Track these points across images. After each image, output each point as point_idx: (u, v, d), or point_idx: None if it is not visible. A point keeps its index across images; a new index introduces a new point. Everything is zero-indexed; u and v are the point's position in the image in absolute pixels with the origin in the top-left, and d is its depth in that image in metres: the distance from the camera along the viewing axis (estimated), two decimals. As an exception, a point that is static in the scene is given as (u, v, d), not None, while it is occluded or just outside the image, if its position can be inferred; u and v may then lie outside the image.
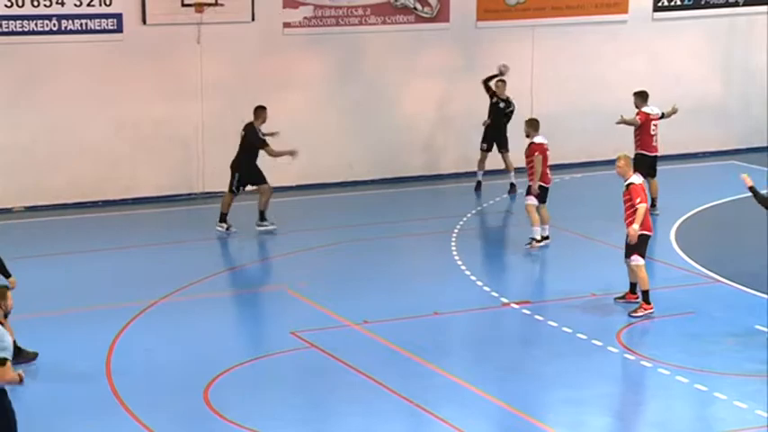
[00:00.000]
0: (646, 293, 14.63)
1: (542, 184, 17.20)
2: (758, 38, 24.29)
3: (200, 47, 20.72)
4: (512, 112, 20.60)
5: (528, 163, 17.38)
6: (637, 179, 14.61)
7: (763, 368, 12.92)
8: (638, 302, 14.72)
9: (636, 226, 14.29)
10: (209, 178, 20.97)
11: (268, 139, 18.39)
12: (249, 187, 18.55)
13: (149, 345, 13.94)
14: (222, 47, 20.85)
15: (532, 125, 17.45)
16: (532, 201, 17.16)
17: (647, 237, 14.67)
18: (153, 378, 13.00)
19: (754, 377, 12.69)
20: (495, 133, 20.62)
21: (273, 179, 21.38)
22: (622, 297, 15.05)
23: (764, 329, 14.07)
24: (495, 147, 20.78)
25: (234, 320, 15.13)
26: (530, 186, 17.28)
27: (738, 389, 12.36)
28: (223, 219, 18.31)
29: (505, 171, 20.77)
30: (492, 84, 20.64)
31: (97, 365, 13.14)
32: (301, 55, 21.45)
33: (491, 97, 20.61)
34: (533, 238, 17.20)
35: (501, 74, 20.59)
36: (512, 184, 20.57)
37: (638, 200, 14.35)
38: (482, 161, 21.04)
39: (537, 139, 17.28)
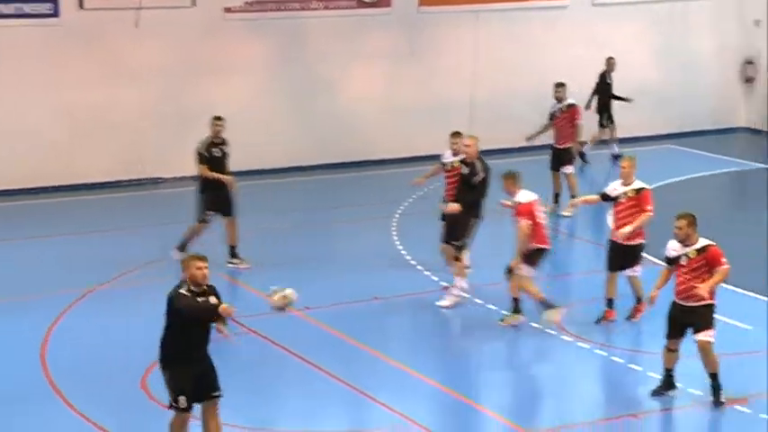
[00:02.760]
0: (639, 299, 13.88)
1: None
2: (698, 24, 24.60)
3: (138, 31, 20.55)
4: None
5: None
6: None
7: (694, 347, 13.07)
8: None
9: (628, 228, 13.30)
10: (148, 164, 20.85)
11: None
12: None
13: (85, 332, 13.87)
14: (162, 31, 20.74)
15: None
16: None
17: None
18: (89, 366, 12.94)
19: (686, 357, 12.76)
20: None
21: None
22: (603, 317, 13.99)
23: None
24: None
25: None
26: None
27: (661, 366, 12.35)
28: (183, 248, 16.07)
29: None
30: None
31: (32, 354, 13.05)
32: (243, 40, 21.39)
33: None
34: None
35: None
36: None
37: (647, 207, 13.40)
38: None
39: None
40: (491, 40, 22.93)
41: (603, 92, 22.43)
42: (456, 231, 14.62)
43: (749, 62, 25.11)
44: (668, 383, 11.93)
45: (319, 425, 11.56)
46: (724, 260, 11.55)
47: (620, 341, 13.45)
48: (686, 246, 11.61)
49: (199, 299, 9.72)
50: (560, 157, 19.02)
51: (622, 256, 13.74)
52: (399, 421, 11.39)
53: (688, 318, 11.64)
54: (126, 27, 20.44)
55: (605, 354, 13.09)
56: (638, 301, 13.84)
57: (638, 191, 13.68)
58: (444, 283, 15.19)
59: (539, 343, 13.50)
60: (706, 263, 11.56)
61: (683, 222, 11.66)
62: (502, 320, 13.88)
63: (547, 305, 13.59)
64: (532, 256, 13.68)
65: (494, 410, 11.80)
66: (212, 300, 9.79)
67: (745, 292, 15.05)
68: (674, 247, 11.73)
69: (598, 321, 13.89)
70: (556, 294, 15.02)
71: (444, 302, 14.55)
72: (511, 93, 22.81)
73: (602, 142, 22.72)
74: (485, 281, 15.25)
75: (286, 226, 18.27)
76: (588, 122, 20.89)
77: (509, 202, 13.86)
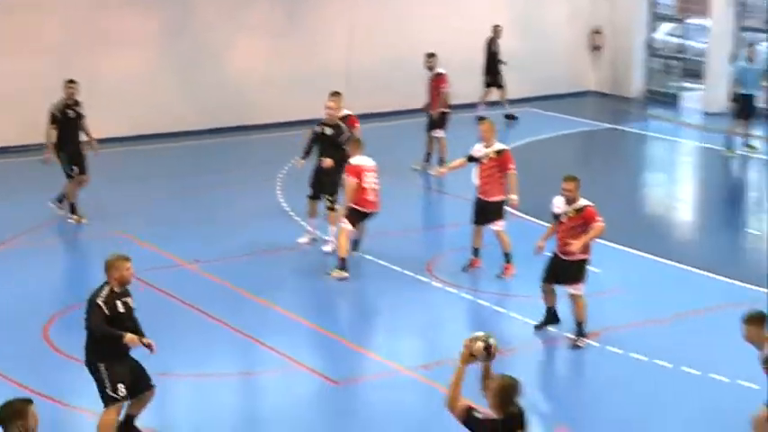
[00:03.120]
0: (508, 255, 14.04)
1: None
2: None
3: (32, 6, 20.10)
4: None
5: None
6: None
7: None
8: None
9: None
10: (42, 131, 20.45)
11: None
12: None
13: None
14: (56, 5, 20.26)
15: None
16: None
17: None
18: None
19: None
20: None
21: (108, 130, 21.07)
22: (470, 265, 14.16)
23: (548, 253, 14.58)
24: None
25: (71, 265, 14.89)
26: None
27: (531, 309, 12.72)
28: (73, 211, 16.19)
29: None
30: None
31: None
32: (132, 13, 20.97)
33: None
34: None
35: None
36: None
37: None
38: None
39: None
40: (365, 12, 22.91)
41: (491, 57, 22.74)
42: (328, 186, 14.78)
43: (596, 31, 25.56)
44: (551, 318, 12.25)
45: (213, 368, 11.61)
46: (599, 218, 11.82)
47: (486, 286, 13.69)
48: (569, 205, 11.93)
49: (125, 300, 9.46)
50: (431, 121, 19.21)
51: (486, 212, 13.90)
52: (286, 363, 11.53)
53: (562, 270, 11.98)
54: (20, 1, 19.94)
55: (472, 298, 13.37)
56: (507, 259, 13.90)
57: (499, 152, 13.79)
58: (326, 237, 15.31)
59: (412, 289, 13.66)
60: (583, 221, 11.86)
61: (571, 185, 11.99)
62: (331, 271, 13.92)
63: (341, 265, 13.79)
64: (352, 215, 13.90)
65: (372, 351, 12.01)
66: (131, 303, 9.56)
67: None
68: (558, 204, 12.07)
69: (465, 269, 14.11)
70: (440, 242, 15.30)
71: (327, 248, 14.68)
72: (385, 62, 22.84)
73: (494, 103, 22.96)
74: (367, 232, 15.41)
75: (176, 187, 18.16)
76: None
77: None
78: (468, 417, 7.10)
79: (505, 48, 23.23)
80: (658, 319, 12.50)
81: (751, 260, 14.98)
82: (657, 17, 25.47)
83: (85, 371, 10.92)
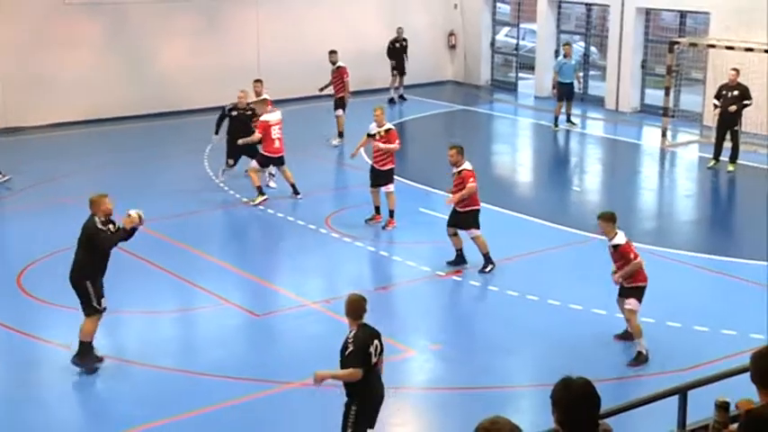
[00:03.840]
0: (392, 212, 13.79)
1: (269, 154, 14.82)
2: (414, 6, 24.76)
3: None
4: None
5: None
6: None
7: (424, 238, 13.51)
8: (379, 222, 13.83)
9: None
10: (9, 117, 19.68)
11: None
12: None
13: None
14: (16, 14, 19.43)
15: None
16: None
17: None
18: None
19: (419, 244, 13.24)
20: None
21: (63, 115, 20.37)
22: (371, 218, 13.88)
23: (426, 211, 14.66)
24: None
25: (36, 225, 14.26)
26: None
27: (408, 253, 12.81)
28: None
29: None
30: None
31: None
32: (80, 21, 20.26)
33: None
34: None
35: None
36: None
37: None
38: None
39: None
40: (270, 17, 22.50)
41: (396, 52, 22.73)
42: (252, 153, 15.05)
43: (451, 33, 25.61)
44: (459, 259, 12.22)
45: (156, 307, 11.36)
46: (471, 179, 11.87)
47: (375, 236, 13.57)
48: (454, 168, 11.96)
49: (110, 226, 9.46)
50: (335, 104, 19.05)
51: (379, 177, 13.80)
52: (216, 301, 11.33)
53: (458, 219, 12.09)
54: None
55: (362, 245, 13.24)
56: (391, 215, 13.76)
57: (387, 130, 13.73)
58: (244, 199, 15.04)
59: (314, 239, 13.53)
60: (462, 181, 11.92)
61: (452, 151, 11.97)
62: (251, 200, 14.72)
63: (259, 191, 14.72)
64: (261, 159, 14.81)
65: (285, 289, 11.86)
66: (116, 225, 9.54)
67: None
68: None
69: (367, 221, 13.94)
70: (336, 202, 15.15)
71: (272, 184, 15.54)
72: (286, 57, 22.46)
73: (396, 88, 23.08)
74: (277, 195, 15.22)
75: (121, 161, 17.58)
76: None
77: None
78: None
79: (382, 47, 23.07)
80: (507, 258, 12.59)
81: (576, 211, 15.24)
82: (498, 23, 25.59)
83: (55, 311, 10.59)
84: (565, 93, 20.19)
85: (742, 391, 4.93)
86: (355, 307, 7.35)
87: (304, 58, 21.86)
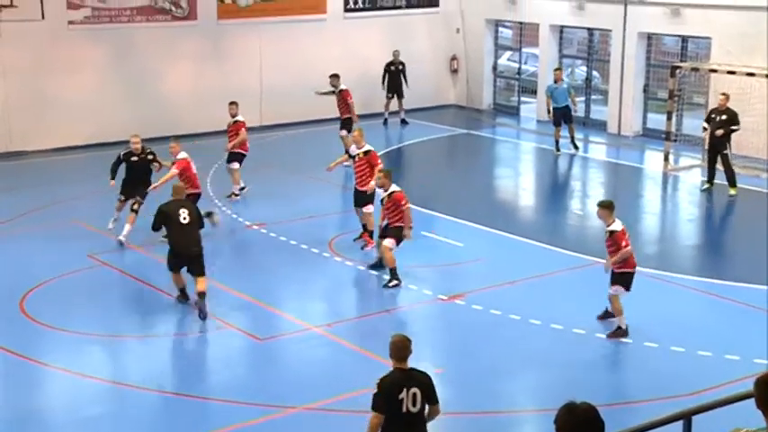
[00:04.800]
0: (371, 233, 13.92)
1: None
2: (418, 31, 25.00)
3: (0, 39, 19.33)
4: None
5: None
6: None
7: (425, 262, 13.51)
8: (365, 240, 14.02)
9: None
10: (13, 141, 19.77)
11: None
12: None
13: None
14: (19, 39, 19.53)
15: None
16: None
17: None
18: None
19: (421, 267, 13.25)
20: None
21: (66, 139, 20.47)
22: (359, 237, 14.07)
23: (428, 234, 14.69)
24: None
25: (41, 248, 14.29)
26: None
27: (410, 277, 12.72)
28: None
29: None
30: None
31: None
32: (84, 45, 20.40)
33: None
34: None
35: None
36: None
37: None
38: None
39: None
40: (272, 43, 22.65)
41: (392, 75, 22.94)
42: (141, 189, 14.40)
43: (453, 58, 25.73)
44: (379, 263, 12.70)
45: (157, 330, 11.36)
46: (403, 202, 12.32)
47: (359, 258, 13.61)
48: (384, 191, 12.44)
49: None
50: (342, 125, 19.17)
51: (359, 197, 14.04)
52: (219, 325, 11.31)
53: (386, 232, 12.51)
54: (-10, 35, 19.20)
55: (364, 269, 13.21)
56: (370, 234, 13.83)
57: (367, 152, 13.91)
58: (247, 222, 15.07)
59: (317, 263, 13.53)
60: (393, 203, 12.34)
61: (380, 174, 12.63)
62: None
63: (208, 213, 13.74)
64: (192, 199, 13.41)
65: (287, 313, 11.83)
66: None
67: (456, 219, 15.49)
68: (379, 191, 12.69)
69: (355, 240, 14.13)
70: (339, 225, 15.13)
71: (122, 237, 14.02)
72: (289, 81, 22.60)
73: (394, 113, 23.20)
74: (279, 219, 15.23)
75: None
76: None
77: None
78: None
79: (380, 72, 23.18)
80: (510, 282, 12.61)
81: (578, 235, 15.25)
82: (501, 47, 25.72)
83: (57, 335, 10.61)
84: (561, 116, 20.27)
85: (747, 417, 4.93)
86: (392, 348, 6.96)
87: (306, 81, 21.95)
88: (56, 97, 20.04)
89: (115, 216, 14.36)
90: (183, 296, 11.83)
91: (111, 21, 20.58)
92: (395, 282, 12.41)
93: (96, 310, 11.88)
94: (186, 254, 11.47)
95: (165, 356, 10.77)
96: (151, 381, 9.95)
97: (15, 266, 13.33)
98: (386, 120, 23.31)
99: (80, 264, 13.22)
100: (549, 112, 20.63)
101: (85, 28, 20.31)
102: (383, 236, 12.60)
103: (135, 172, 14.46)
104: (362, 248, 13.90)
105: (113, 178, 14.38)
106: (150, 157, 14.59)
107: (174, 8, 21.33)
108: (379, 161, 13.96)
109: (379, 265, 12.90)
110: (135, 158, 14.55)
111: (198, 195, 14.11)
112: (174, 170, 13.99)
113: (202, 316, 11.25)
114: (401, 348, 6.95)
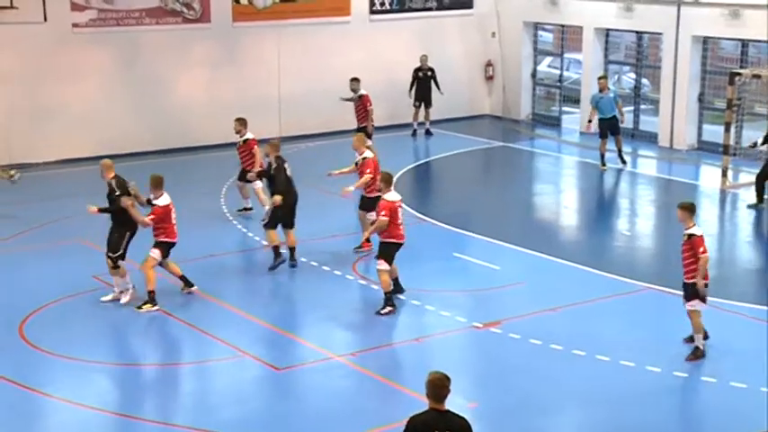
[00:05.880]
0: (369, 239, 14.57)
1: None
2: (450, 35, 25.14)
3: (5, 42, 19.71)
4: None
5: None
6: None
7: (459, 286, 13.54)
8: (369, 251, 14.58)
9: None
10: (15, 152, 20.07)
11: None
12: None
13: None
14: (20, 43, 19.89)
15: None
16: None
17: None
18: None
19: (454, 292, 13.29)
20: None
21: (70, 150, 20.76)
22: (359, 247, 14.81)
23: (461, 256, 14.74)
24: None
25: (43, 268, 14.47)
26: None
27: (443, 302, 12.86)
28: None
29: None
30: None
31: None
32: (89, 49, 20.71)
33: None
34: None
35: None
36: None
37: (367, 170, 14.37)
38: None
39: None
40: (291, 48, 22.86)
41: (421, 81, 23.07)
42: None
43: (489, 64, 25.82)
44: (397, 289, 12.91)
45: (169, 358, 11.48)
46: (383, 212, 12.52)
47: (411, 285, 13.52)
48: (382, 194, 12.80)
49: None
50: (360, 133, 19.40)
51: (364, 203, 14.67)
52: (234, 353, 11.41)
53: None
54: (-11, 39, 19.58)
55: (401, 296, 13.05)
56: (367, 239, 14.46)
57: (364, 159, 14.62)
58: (264, 243, 15.16)
59: (340, 286, 13.61)
60: (381, 208, 12.67)
61: (381, 177, 12.95)
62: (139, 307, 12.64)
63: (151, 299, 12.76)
64: (164, 247, 12.95)
65: (308, 340, 11.89)
66: None
67: (492, 239, 15.51)
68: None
69: (355, 249, 14.77)
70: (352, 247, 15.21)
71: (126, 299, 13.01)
72: (310, 89, 22.81)
73: (423, 123, 23.43)
74: (298, 238, 15.35)
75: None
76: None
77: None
78: None
79: (408, 77, 23.32)
80: (551, 308, 12.61)
81: (626, 258, 15.21)
82: (540, 52, 25.79)
83: (58, 362, 10.74)
84: (607, 128, 20.28)
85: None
86: (429, 387, 6.92)
87: (328, 89, 22.14)
88: (59, 105, 20.35)
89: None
90: (277, 255, 13.87)
91: (118, 24, 20.89)
92: (389, 308, 12.55)
93: (101, 335, 12.02)
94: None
95: (175, 386, 10.87)
96: (159, 413, 10.06)
97: (15, 287, 13.52)
98: (415, 131, 23.45)
99: (85, 285, 13.37)
100: (589, 121, 20.70)
101: (91, 31, 20.63)
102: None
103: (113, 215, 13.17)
104: (357, 250, 14.68)
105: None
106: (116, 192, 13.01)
107: (185, 10, 21.62)
108: (368, 170, 14.44)
109: (397, 290, 12.93)
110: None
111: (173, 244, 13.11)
112: (147, 220, 12.76)
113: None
114: (438, 387, 6.92)
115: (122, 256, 12.90)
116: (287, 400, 10.55)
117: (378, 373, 10.90)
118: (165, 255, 12.99)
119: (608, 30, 23.65)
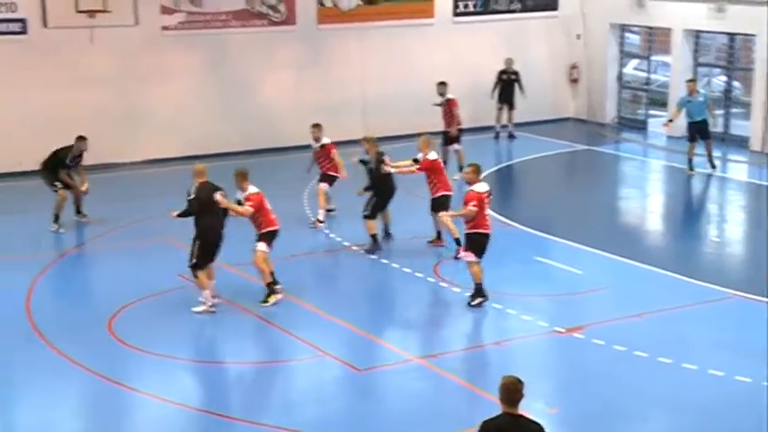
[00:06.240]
0: (458, 240, 14.46)
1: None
2: (534, 37, 24.96)
3: (93, 46, 20.19)
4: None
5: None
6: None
7: (541, 290, 13.43)
8: (443, 246, 14.84)
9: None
10: (104, 152, 20.52)
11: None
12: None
13: (61, 287, 13.67)
14: (112, 45, 20.38)
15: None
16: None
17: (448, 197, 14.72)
18: (65, 315, 12.77)
19: (536, 297, 13.18)
20: None
21: (158, 150, 21.16)
22: (432, 241, 15.13)
23: (544, 260, 14.61)
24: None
25: (131, 266, 14.80)
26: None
27: (524, 306, 12.76)
28: (56, 219, 16.06)
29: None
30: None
31: (18, 306, 12.83)
32: (178, 51, 21.13)
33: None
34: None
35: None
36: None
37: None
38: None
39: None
40: (375, 50, 22.97)
41: (505, 84, 23.00)
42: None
43: (573, 66, 25.56)
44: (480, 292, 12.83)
45: (251, 357, 11.62)
46: (472, 202, 12.52)
47: (492, 288, 13.53)
48: (469, 185, 12.70)
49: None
50: (447, 139, 19.50)
51: (433, 205, 14.88)
52: (315, 353, 11.49)
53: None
54: (82, 42, 20.07)
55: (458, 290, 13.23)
56: (457, 242, 14.33)
57: (425, 158, 14.85)
58: (346, 243, 15.28)
59: (423, 288, 13.60)
60: (465, 201, 12.67)
61: (469, 169, 12.88)
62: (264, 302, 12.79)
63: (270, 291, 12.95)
64: (267, 237, 12.97)
65: (388, 342, 11.93)
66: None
67: (576, 243, 15.34)
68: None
69: (429, 243, 15.11)
70: (445, 249, 15.15)
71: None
72: (393, 91, 22.90)
73: (505, 126, 23.35)
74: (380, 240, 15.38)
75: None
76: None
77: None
78: None
79: (492, 80, 23.20)
80: (636, 315, 12.41)
81: (715, 264, 14.90)
82: (627, 54, 25.42)
83: (146, 359, 10.97)
84: (696, 132, 19.90)
85: None
86: (502, 391, 6.88)
87: (411, 91, 22.18)
88: (148, 107, 20.80)
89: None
90: (375, 242, 14.52)
91: (205, 26, 21.26)
92: (479, 299, 12.67)
93: (186, 333, 12.23)
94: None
95: (256, 385, 10.99)
96: (242, 411, 10.18)
97: (104, 284, 13.86)
98: (497, 133, 23.34)
99: (170, 283, 13.62)
100: (670, 121, 20.42)
101: (179, 34, 21.03)
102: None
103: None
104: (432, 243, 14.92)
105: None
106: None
107: (271, 12, 21.88)
108: (427, 170, 14.68)
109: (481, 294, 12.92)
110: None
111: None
112: (248, 209, 12.82)
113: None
114: (512, 392, 6.87)
115: (196, 266, 12.59)
116: (367, 401, 10.59)
117: (458, 376, 10.88)
118: (270, 244, 12.82)
119: (698, 31, 23.18)
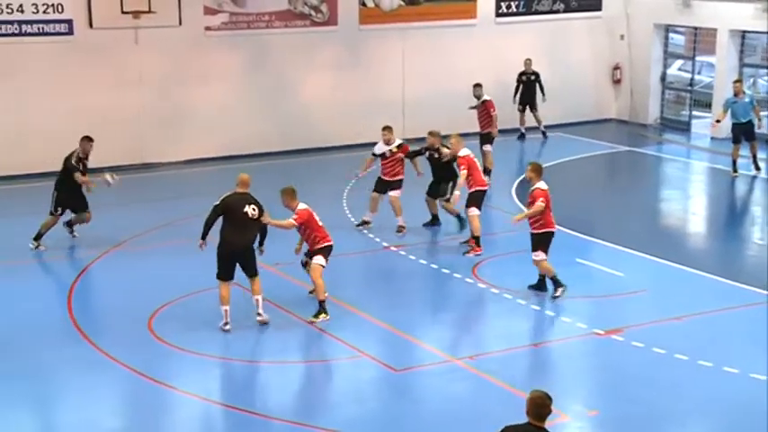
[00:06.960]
0: (477, 239, 14.72)
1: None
2: (577, 37, 24.78)
3: (137, 46, 20.37)
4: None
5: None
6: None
7: (581, 292, 13.31)
8: (470, 246, 14.84)
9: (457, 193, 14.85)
10: (146, 152, 20.74)
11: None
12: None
13: (102, 286, 13.80)
14: (156, 46, 20.54)
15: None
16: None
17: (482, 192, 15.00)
18: (105, 314, 12.89)
19: (576, 298, 13.06)
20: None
21: (199, 150, 21.29)
22: (466, 241, 15.03)
23: (584, 262, 14.49)
24: None
25: (171, 265, 14.88)
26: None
27: (563, 308, 12.70)
28: (38, 237, 15.17)
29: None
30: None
31: (61, 302, 13.00)
32: (221, 52, 21.27)
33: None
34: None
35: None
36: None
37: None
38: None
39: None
40: (416, 50, 22.95)
41: (525, 86, 22.85)
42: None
43: (616, 67, 25.34)
44: (540, 287, 13.18)
45: (291, 357, 11.65)
46: (540, 198, 12.67)
47: (521, 287, 13.45)
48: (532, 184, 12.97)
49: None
50: (482, 139, 19.33)
51: (469, 199, 14.96)
52: (353, 353, 11.49)
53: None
54: (127, 42, 20.26)
55: (511, 297, 13.15)
56: (477, 241, 14.76)
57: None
58: (385, 244, 15.27)
59: (461, 289, 13.58)
60: (532, 200, 12.85)
61: (529, 168, 13.09)
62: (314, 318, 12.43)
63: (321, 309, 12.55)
64: (323, 251, 12.73)
65: (426, 343, 11.88)
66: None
67: (616, 245, 15.23)
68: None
69: (464, 249, 14.89)
70: (484, 249, 15.06)
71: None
72: (433, 92, 22.85)
73: (532, 128, 23.23)
74: (418, 241, 15.36)
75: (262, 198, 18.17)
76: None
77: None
78: None
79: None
80: (676, 317, 12.27)
81: (758, 267, 14.64)
82: (671, 55, 25.14)
83: (186, 357, 11.04)
84: (741, 133, 19.65)
85: None
86: (530, 405, 6.88)
87: (452, 92, 22.11)
88: (190, 107, 20.94)
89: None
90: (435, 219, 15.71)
91: (248, 26, 21.37)
92: (560, 289, 12.92)
93: (225, 332, 12.26)
94: None
95: (294, 384, 11.01)
96: (278, 409, 10.20)
97: (145, 283, 13.95)
98: (522, 134, 23.08)
99: (210, 283, 13.60)
100: (717, 121, 20.17)
101: (222, 34, 21.16)
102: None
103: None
104: (464, 254, 14.67)
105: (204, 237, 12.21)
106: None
107: (313, 13, 21.94)
108: (463, 165, 14.75)
109: (539, 286, 13.10)
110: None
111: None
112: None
113: None
114: (540, 406, 6.84)
115: (217, 275, 12.21)
116: (404, 401, 10.55)
117: (496, 378, 10.80)
118: (327, 258, 12.63)
119: (744, 32, 22.86)
